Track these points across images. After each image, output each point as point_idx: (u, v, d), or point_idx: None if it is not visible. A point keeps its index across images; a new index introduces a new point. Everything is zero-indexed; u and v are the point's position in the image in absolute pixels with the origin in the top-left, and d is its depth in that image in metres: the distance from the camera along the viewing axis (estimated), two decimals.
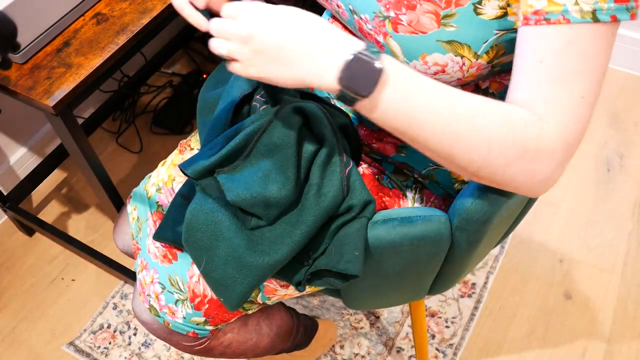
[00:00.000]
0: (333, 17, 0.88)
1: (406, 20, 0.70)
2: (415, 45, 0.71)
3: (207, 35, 2.14)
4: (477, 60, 0.71)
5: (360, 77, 0.61)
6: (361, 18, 0.76)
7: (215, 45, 0.69)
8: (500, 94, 0.80)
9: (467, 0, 0.67)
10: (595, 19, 0.59)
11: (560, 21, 0.60)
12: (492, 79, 0.79)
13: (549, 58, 0.62)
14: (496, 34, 0.69)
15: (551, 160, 0.64)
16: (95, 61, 1.06)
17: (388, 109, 0.63)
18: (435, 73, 0.73)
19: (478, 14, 0.68)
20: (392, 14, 0.71)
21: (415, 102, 0.62)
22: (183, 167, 0.81)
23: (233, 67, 0.69)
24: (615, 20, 0.60)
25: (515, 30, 0.68)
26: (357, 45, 0.62)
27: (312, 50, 0.63)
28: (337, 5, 0.80)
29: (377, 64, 0.61)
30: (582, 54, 0.61)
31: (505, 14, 0.67)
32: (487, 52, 0.71)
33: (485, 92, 0.80)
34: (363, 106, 0.63)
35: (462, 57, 0.71)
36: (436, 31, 0.70)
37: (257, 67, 0.66)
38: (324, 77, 0.63)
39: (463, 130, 0.63)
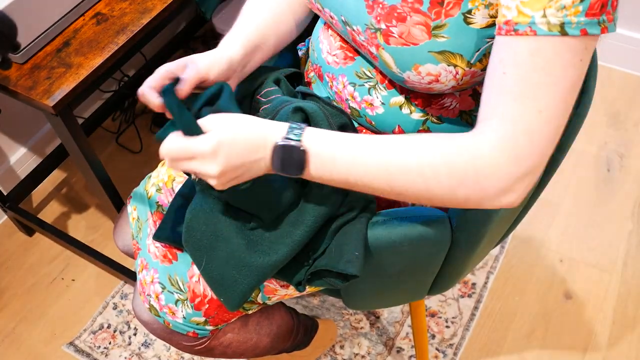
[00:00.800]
0: (326, 24, 0.89)
1: (397, 32, 0.71)
2: (408, 57, 0.72)
3: (208, 35, 2.15)
4: (470, 68, 0.71)
5: (289, 164, 0.68)
6: (354, 29, 0.76)
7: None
8: None
9: (457, 10, 0.67)
10: (564, 32, 0.58)
11: (528, 33, 0.59)
12: None
13: (511, 70, 0.61)
14: (488, 41, 0.69)
15: (497, 176, 0.63)
16: (95, 61, 1.06)
17: (323, 175, 0.69)
18: (429, 83, 0.73)
19: (468, 23, 0.68)
20: (383, 26, 0.71)
21: (345, 163, 0.68)
22: None
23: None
24: (586, 34, 0.58)
25: None
26: (279, 132, 0.68)
27: (251, 156, 0.68)
28: (331, 17, 0.81)
29: (300, 148, 0.67)
30: (545, 67, 0.60)
31: (495, 22, 0.67)
32: (480, 60, 0.71)
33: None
34: (304, 176, 0.70)
35: (455, 66, 0.71)
36: (427, 42, 0.70)
37: (224, 183, 0.70)
38: (265, 169, 0.70)
39: (395, 173, 0.66)
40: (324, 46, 0.88)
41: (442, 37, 0.69)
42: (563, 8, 0.58)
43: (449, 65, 0.71)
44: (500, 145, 0.62)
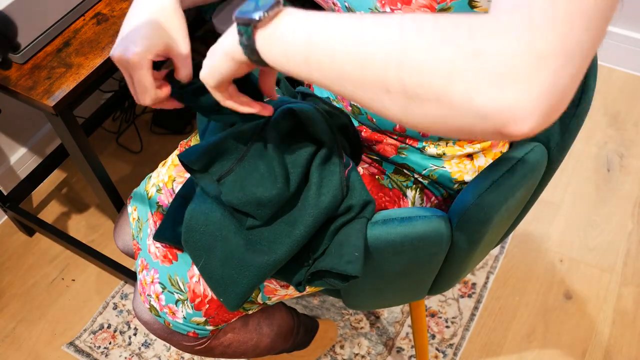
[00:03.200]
0: None
1: None
2: None
3: (208, 35, 2.15)
4: None
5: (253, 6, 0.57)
6: None
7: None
8: None
9: None
10: None
11: None
12: None
13: None
14: None
15: (498, 46, 0.42)
16: (95, 61, 1.06)
17: (284, 34, 0.55)
18: None
19: (473, 6, 0.67)
20: (387, 9, 0.71)
21: (314, 23, 0.54)
22: (181, 157, 0.81)
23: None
24: None
25: None
26: None
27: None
28: (333, 3, 0.80)
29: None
30: None
31: None
32: None
33: None
34: (261, 38, 0.57)
35: None
36: None
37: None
38: (231, 29, 0.61)
39: (368, 30, 0.49)
40: None
41: None
42: None
43: None
44: (507, 14, 0.43)
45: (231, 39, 0.61)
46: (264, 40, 0.57)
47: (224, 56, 0.63)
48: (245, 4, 0.58)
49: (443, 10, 0.67)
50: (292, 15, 0.56)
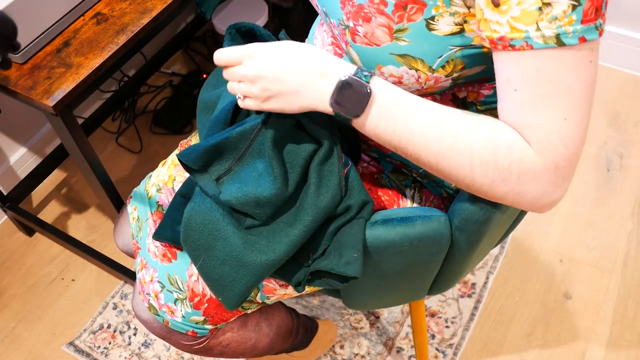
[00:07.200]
0: (322, 21, 0.89)
1: (362, 31, 0.71)
2: (371, 57, 0.72)
3: (207, 35, 2.15)
4: (432, 73, 0.71)
5: (350, 101, 0.67)
6: (331, 22, 0.77)
7: (230, 88, 0.75)
8: (481, 103, 0.80)
9: (419, 16, 0.67)
10: (560, 43, 0.58)
11: (524, 47, 0.59)
12: (468, 89, 0.79)
13: (522, 86, 0.61)
14: (452, 49, 0.69)
15: (538, 182, 0.64)
16: (95, 61, 1.06)
17: (377, 127, 0.68)
18: (394, 83, 0.73)
19: (431, 29, 0.68)
20: (351, 24, 0.72)
21: (402, 123, 0.67)
22: (180, 156, 0.81)
23: (245, 103, 0.74)
24: (584, 41, 0.58)
25: (472, 47, 0.68)
26: (347, 70, 0.67)
27: (309, 80, 0.68)
28: (316, 5, 0.81)
29: (366, 89, 0.66)
30: (553, 78, 0.60)
31: (461, 30, 0.67)
32: (443, 67, 0.70)
33: (463, 102, 0.80)
34: (356, 123, 0.69)
35: (417, 70, 0.71)
36: (389, 44, 0.70)
37: (268, 102, 0.71)
38: (322, 102, 0.69)
39: (446, 150, 0.66)
40: (318, 42, 0.89)
41: (404, 40, 0.69)
42: (555, 19, 0.57)
43: (410, 69, 0.71)
44: (541, 154, 0.63)
45: (324, 106, 0.69)
46: (357, 126, 0.69)
47: (305, 102, 0.70)
48: (342, 66, 0.68)
49: (400, 31, 0.68)
50: (382, 112, 0.68)
